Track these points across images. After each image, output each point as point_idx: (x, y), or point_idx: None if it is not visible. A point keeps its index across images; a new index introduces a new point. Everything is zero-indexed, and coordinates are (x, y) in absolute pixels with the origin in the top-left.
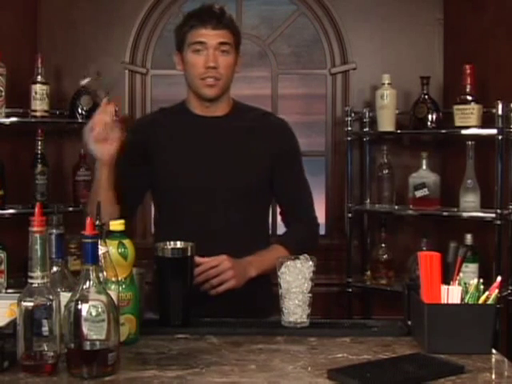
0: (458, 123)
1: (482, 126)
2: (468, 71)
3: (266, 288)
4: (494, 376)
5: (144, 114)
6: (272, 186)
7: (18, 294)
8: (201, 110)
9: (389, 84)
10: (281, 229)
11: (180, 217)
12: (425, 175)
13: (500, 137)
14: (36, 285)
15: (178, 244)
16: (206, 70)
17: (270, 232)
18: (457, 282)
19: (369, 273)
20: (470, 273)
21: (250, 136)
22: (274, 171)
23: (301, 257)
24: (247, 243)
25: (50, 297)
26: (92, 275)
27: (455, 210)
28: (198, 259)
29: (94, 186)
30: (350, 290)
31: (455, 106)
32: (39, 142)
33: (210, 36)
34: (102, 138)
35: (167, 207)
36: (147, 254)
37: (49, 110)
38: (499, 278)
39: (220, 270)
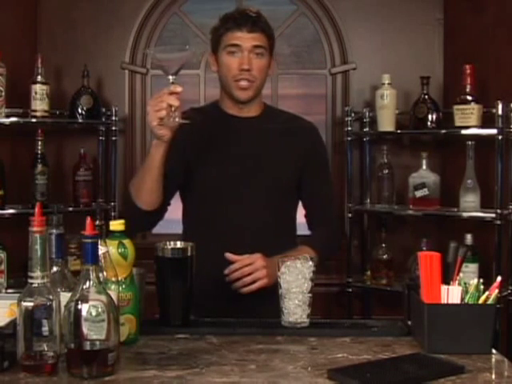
0: (457, 123)
1: (482, 126)
2: (468, 71)
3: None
4: (493, 376)
5: (144, 114)
6: (299, 187)
7: (18, 294)
8: (234, 110)
9: (389, 84)
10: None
11: (211, 217)
12: (425, 175)
13: (500, 137)
14: (36, 285)
15: (178, 244)
16: (240, 72)
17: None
18: (457, 281)
19: (369, 273)
20: (470, 273)
21: (281, 137)
22: (302, 172)
23: (301, 257)
24: (276, 243)
25: (50, 297)
26: (92, 275)
27: (455, 210)
28: (232, 256)
29: (146, 164)
30: (350, 289)
31: (455, 106)
32: (39, 142)
33: (245, 39)
34: (166, 119)
35: (198, 207)
36: (147, 254)
37: (49, 110)
38: (499, 278)
39: (254, 267)
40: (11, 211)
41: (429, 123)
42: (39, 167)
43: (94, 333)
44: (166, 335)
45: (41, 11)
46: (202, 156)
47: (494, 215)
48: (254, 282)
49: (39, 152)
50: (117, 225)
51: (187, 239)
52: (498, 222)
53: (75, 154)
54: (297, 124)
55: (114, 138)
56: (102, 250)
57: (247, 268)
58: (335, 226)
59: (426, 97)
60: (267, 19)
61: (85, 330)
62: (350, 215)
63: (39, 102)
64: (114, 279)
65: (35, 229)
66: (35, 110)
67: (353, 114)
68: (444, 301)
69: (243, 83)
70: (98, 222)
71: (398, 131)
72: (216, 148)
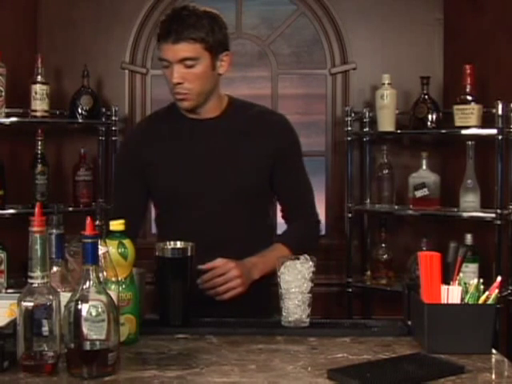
0: (458, 123)
1: (482, 126)
2: (468, 71)
3: (266, 288)
4: (493, 376)
5: (144, 114)
6: (272, 184)
7: (18, 294)
8: (192, 113)
9: (389, 84)
10: (280, 228)
11: (180, 223)
12: (425, 175)
13: (500, 137)
14: (36, 285)
15: (178, 244)
16: (174, 86)
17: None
18: (457, 281)
19: (369, 273)
20: (470, 273)
21: (246, 136)
22: (275, 169)
23: (300, 257)
24: (250, 246)
25: (50, 297)
26: (92, 275)
27: (455, 209)
28: (203, 267)
29: None
30: (350, 289)
31: (455, 106)
32: (39, 142)
33: (171, 51)
34: None
35: (166, 215)
36: (147, 254)
37: (49, 110)
38: (499, 278)
39: (228, 278)
40: (11, 211)
41: (429, 123)
42: (39, 167)
43: (93, 333)
44: (165, 335)
45: (41, 11)
46: (163, 164)
47: (494, 215)
48: (227, 290)
49: (39, 152)
50: (117, 225)
51: (159, 241)
52: (498, 222)
53: (75, 154)
54: (264, 119)
55: (114, 138)
56: (101, 249)
57: (220, 278)
58: (313, 221)
59: (426, 97)
60: (207, 17)
61: (85, 330)
62: (349, 215)
63: (39, 102)
64: (114, 279)
65: (35, 229)
66: (35, 110)
67: (353, 114)
68: (444, 301)
69: (178, 96)
70: (97, 222)
71: (398, 131)
72: (177, 154)
